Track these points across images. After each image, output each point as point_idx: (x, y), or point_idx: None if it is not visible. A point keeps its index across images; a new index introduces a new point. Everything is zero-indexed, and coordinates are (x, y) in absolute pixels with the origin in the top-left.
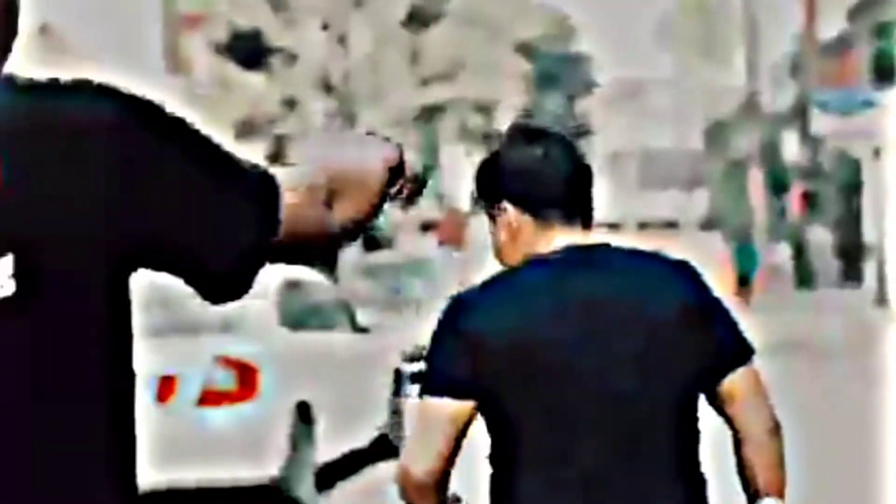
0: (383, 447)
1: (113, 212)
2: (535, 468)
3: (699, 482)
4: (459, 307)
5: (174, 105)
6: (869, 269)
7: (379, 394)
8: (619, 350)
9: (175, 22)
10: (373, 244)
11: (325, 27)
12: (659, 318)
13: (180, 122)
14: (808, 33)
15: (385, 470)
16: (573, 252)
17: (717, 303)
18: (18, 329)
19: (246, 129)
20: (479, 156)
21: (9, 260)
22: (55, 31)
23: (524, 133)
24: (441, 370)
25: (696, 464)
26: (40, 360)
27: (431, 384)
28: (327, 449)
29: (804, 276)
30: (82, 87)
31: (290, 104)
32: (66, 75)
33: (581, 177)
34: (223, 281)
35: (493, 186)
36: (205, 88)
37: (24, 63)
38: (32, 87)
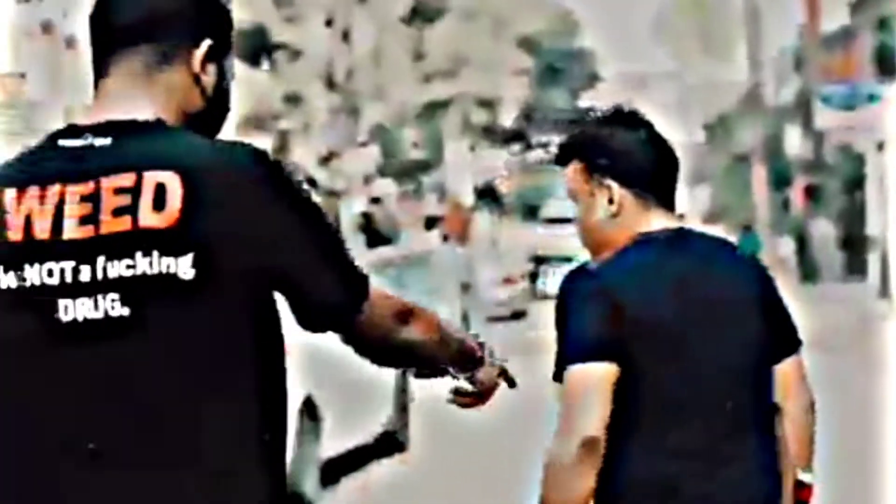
0: (388, 443)
1: (250, 239)
2: (649, 435)
3: (776, 459)
4: (594, 276)
5: None
6: (873, 263)
7: (384, 390)
8: (714, 328)
9: None
10: (376, 239)
11: (328, 23)
12: (741, 302)
13: (304, 191)
14: (810, 27)
15: (389, 467)
16: (672, 233)
17: (778, 292)
18: (197, 307)
19: (250, 125)
20: (482, 150)
21: (190, 256)
22: (57, 28)
23: (625, 115)
24: (591, 334)
25: (775, 438)
26: (213, 332)
27: (584, 349)
28: (331, 445)
29: (808, 270)
30: (250, 152)
31: (294, 100)
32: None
33: (675, 162)
34: (319, 311)
35: (598, 162)
36: None
37: (26, 61)
38: (215, 145)
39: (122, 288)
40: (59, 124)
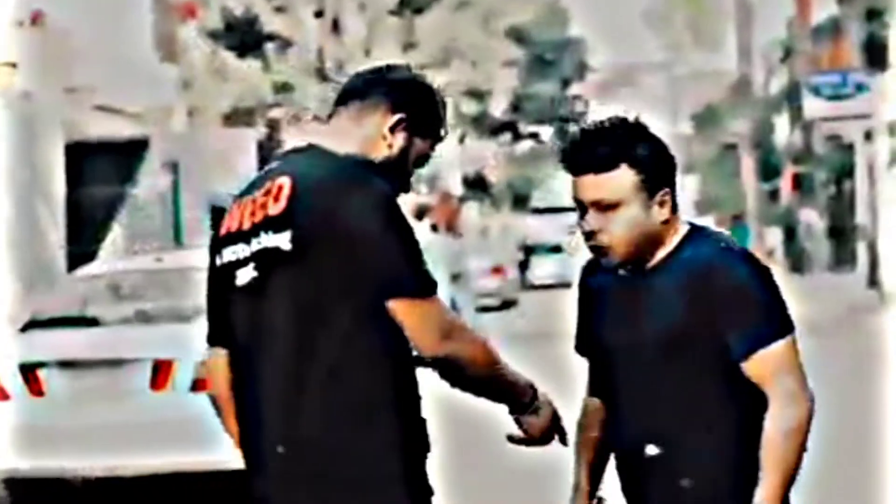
0: None
1: (334, 220)
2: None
3: None
4: (758, 259)
5: (169, 93)
6: (862, 252)
7: None
8: None
9: (168, 10)
10: None
11: (318, 14)
12: None
13: (393, 202)
14: (799, 18)
15: None
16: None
17: None
18: (293, 274)
19: (240, 116)
20: (472, 141)
21: (289, 233)
22: (48, 19)
23: (640, 121)
24: (785, 309)
25: None
26: (305, 298)
27: (790, 321)
28: None
29: (796, 260)
30: (357, 170)
31: (284, 90)
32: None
33: None
34: (381, 279)
35: (660, 174)
36: (198, 76)
37: (18, 53)
38: (337, 164)
39: (255, 259)
40: (49, 114)
